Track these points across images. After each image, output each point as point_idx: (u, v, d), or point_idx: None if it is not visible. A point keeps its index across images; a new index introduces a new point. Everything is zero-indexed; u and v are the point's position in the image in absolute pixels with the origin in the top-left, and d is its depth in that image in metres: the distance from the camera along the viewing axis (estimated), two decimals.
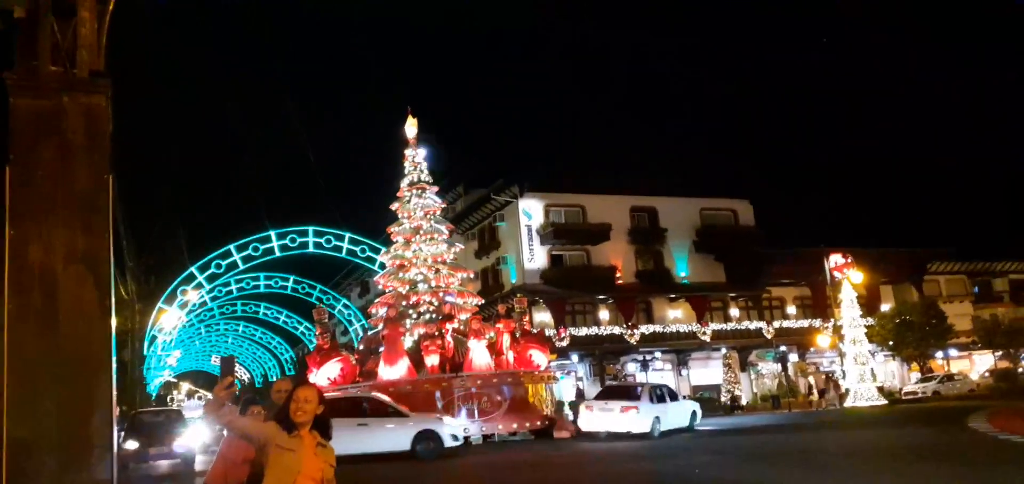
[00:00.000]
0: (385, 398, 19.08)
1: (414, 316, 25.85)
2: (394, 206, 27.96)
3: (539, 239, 40.28)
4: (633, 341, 38.99)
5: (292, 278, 45.35)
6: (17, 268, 4.73)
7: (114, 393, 4.88)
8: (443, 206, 29.37)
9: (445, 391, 22.36)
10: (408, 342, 24.60)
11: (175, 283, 35.06)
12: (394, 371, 22.99)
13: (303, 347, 55.23)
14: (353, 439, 16.14)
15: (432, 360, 23.40)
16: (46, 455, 4.50)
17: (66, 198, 4.95)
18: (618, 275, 41.18)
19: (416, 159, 28.27)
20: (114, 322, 4.76)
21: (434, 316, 25.65)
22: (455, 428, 18.29)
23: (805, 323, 43.62)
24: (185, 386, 74.52)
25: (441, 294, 26.38)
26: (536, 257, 40.12)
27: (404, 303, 26.19)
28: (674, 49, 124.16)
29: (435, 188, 28.33)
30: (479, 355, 23.38)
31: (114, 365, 4.65)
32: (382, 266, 29.26)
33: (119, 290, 27.21)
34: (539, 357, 24.71)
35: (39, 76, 5.06)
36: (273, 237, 36.32)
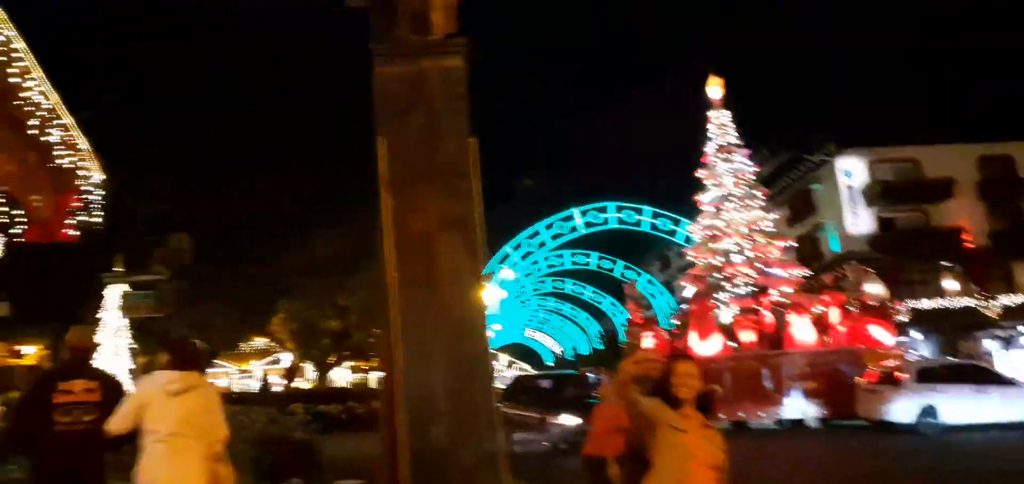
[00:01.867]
0: (990, 366, 19.96)
1: (729, 289, 24.45)
2: (700, 173, 26.71)
3: (863, 201, 35.82)
4: (991, 315, 32.95)
5: (594, 255, 46.25)
6: (402, 236, 4.65)
7: (491, 362, 4.55)
8: (756, 170, 27.30)
9: (773, 369, 20.69)
10: (727, 316, 23.34)
11: (493, 259, 37.66)
12: (706, 347, 21.95)
13: (607, 321, 56.32)
14: (977, 406, 16.26)
15: (747, 336, 21.92)
16: (439, 422, 4.38)
17: (434, 165, 4.79)
18: (966, 238, 35.09)
19: (721, 121, 26.77)
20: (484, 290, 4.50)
21: (751, 289, 24.00)
22: None
23: None
24: (504, 358, 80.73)
25: (757, 265, 24.59)
26: (860, 222, 35.75)
27: (716, 275, 24.90)
28: None
29: (746, 151, 26.51)
30: (802, 331, 21.35)
31: (487, 333, 4.41)
32: (687, 239, 28.24)
33: None
34: (881, 334, 21.72)
35: (402, 44, 5.01)
36: (576, 215, 37.27)
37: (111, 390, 4.92)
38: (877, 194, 35.51)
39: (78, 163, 8.55)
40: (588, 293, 55.74)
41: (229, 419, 4.78)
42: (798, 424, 19.88)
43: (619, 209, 37.95)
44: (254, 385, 38.24)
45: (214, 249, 19.17)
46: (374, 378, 43.11)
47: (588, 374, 20.31)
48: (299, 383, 35.45)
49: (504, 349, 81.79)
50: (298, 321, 32.04)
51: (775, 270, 24.50)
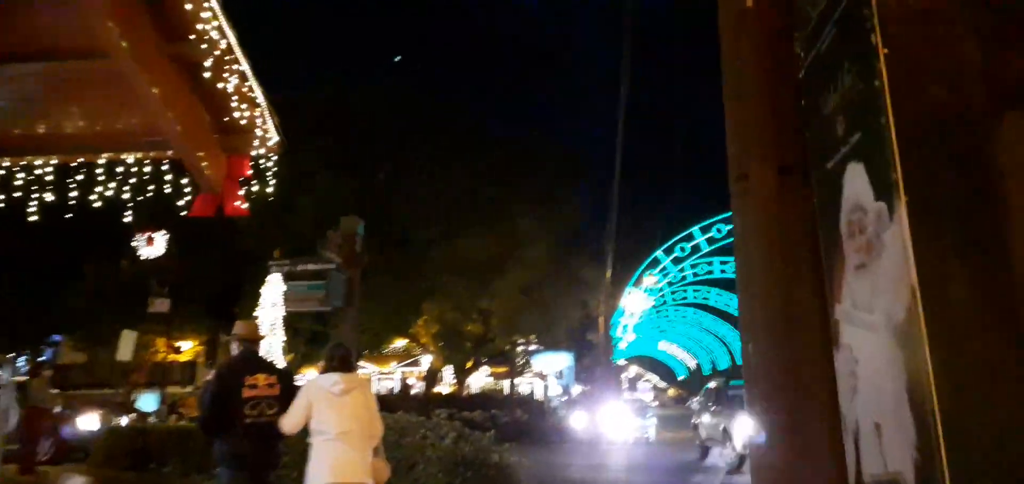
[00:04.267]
0: None
1: None
2: None
3: None
4: None
5: None
6: (913, 166, 2.09)
7: None
8: None
9: None
10: None
11: (642, 266, 35.21)
12: None
13: None
14: None
15: None
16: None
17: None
18: None
19: None
20: None
21: None
22: None
23: None
24: (633, 369, 77.64)
25: None
26: None
27: None
28: None
29: None
30: None
31: None
32: None
33: (603, 272, 27.78)
34: None
35: None
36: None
37: (287, 384, 5.33)
38: None
39: (255, 120, 7.11)
40: (734, 304, 52.00)
41: (414, 432, 5.73)
42: None
43: None
44: (393, 386, 37.70)
45: (368, 242, 17.86)
46: (503, 384, 41.60)
47: None
48: (436, 388, 34.52)
49: (632, 361, 78.69)
50: (441, 323, 30.96)
51: None
